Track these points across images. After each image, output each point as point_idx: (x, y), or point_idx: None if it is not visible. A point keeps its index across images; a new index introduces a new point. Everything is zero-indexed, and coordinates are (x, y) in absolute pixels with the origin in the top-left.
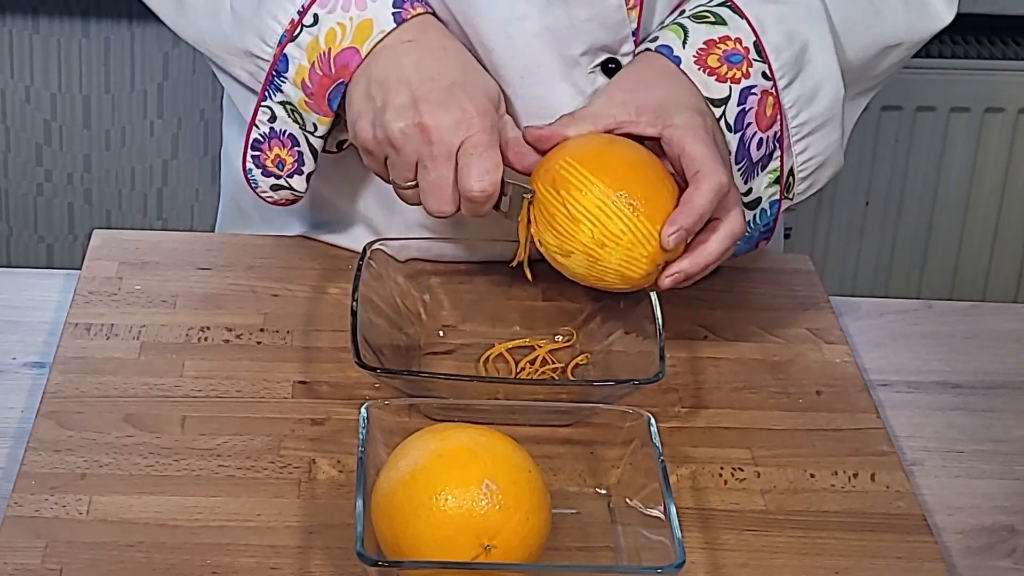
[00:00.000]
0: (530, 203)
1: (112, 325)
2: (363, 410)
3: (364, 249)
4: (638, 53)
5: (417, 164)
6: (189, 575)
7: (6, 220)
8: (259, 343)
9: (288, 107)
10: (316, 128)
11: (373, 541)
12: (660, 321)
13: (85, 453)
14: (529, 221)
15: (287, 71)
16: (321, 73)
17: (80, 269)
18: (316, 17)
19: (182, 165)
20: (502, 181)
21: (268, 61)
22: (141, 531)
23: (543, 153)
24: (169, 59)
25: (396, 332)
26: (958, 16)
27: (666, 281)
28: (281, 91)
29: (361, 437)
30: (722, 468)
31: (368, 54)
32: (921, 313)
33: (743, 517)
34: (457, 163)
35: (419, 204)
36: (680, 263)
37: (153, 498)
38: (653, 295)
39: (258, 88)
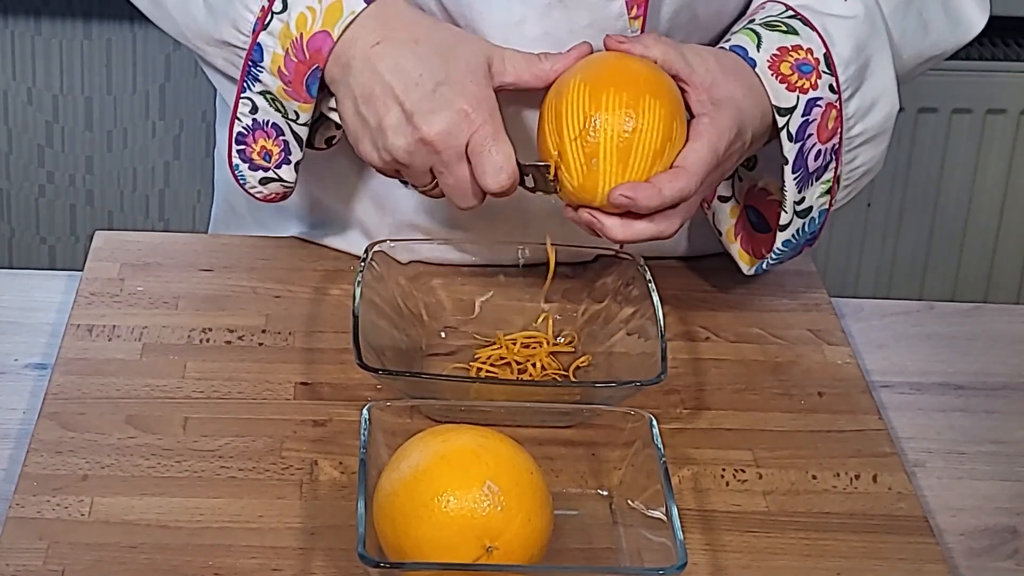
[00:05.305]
0: (555, 173)
1: (114, 326)
2: (365, 411)
3: (366, 250)
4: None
5: (432, 169)
6: None
7: (8, 221)
8: (261, 344)
9: (268, 97)
10: (298, 116)
11: (375, 542)
12: (662, 322)
13: (87, 454)
14: (556, 191)
15: (263, 60)
16: (296, 60)
17: (82, 270)
18: (285, 3)
19: (184, 166)
20: (519, 164)
21: (246, 50)
22: (143, 532)
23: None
24: (171, 60)
25: (398, 333)
26: None
27: (618, 197)
28: (260, 81)
29: (363, 438)
30: (724, 469)
31: (339, 38)
32: (923, 314)
33: (745, 518)
34: (470, 161)
35: (444, 197)
36: (636, 190)
37: (155, 499)
38: (655, 296)
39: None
